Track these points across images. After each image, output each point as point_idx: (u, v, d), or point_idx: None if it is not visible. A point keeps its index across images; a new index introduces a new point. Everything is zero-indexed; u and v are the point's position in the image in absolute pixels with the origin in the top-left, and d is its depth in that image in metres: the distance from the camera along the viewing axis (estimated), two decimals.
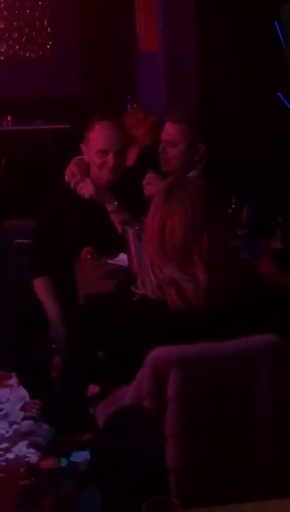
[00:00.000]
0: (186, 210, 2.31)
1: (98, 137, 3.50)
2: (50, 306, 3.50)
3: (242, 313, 2.34)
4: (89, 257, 3.41)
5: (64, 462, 3.22)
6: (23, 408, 3.68)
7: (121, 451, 1.78)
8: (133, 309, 2.37)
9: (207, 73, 5.03)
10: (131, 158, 4.38)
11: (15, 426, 3.56)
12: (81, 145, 3.60)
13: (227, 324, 2.30)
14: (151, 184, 3.58)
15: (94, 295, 2.93)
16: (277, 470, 2.16)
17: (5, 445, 3.41)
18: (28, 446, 3.22)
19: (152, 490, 1.70)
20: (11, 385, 3.92)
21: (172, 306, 2.29)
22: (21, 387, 3.70)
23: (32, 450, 3.23)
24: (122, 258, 3.27)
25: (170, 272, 2.30)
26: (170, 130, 3.60)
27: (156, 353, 2.19)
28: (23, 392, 3.71)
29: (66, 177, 3.68)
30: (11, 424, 3.59)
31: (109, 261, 3.33)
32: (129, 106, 6.30)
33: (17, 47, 7.46)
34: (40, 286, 3.57)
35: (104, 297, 2.72)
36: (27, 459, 3.26)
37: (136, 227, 3.04)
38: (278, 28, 4.74)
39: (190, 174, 3.59)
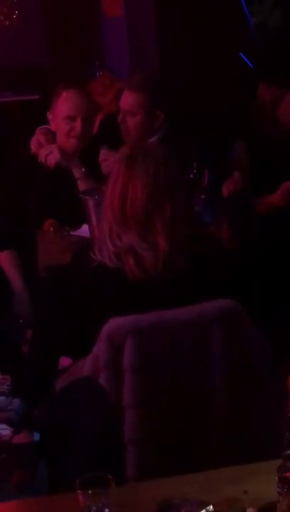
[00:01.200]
0: (149, 177, 2.25)
1: (65, 104, 3.45)
2: (16, 280, 3.46)
3: (202, 279, 2.30)
4: (51, 229, 3.36)
5: (37, 436, 3.19)
6: None
7: (67, 425, 1.75)
8: (89, 277, 2.33)
9: (169, 37, 4.95)
10: (96, 125, 4.32)
11: None
12: (47, 113, 3.54)
13: (186, 292, 2.26)
14: (107, 160, 3.51)
15: (53, 266, 2.89)
16: (233, 436, 2.14)
17: None
18: (0, 422, 3.19)
19: (99, 463, 1.68)
20: None
21: (129, 274, 2.25)
22: None
23: (4, 426, 3.20)
24: (85, 229, 3.22)
25: (129, 240, 2.25)
26: (128, 99, 3.52)
27: (111, 324, 2.17)
28: None
29: (32, 147, 3.62)
30: None
31: (72, 232, 3.28)
32: (97, 73, 6.20)
33: None
34: (5, 259, 3.53)
35: (64, 267, 2.69)
36: None
37: (96, 197, 2.99)
38: None
39: (150, 140, 3.53)
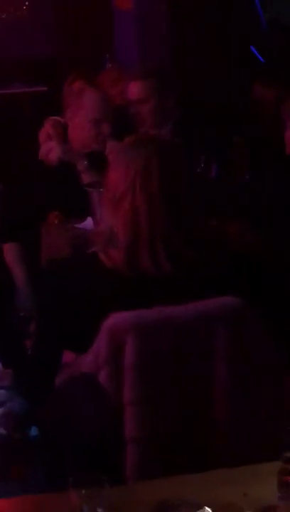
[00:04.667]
0: (128, 167, 2.18)
1: (90, 106, 3.39)
2: (19, 273, 3.44)
3: (202, 277, 2.23)
4: (56, 221, 3.33)
5: (35, 431, 3.15)
6: None
7: (65, 422, 1.72)
8: (88, 270, 2.28)
9: (180, 30, 4.92)
10: None
11: None
12: (66, 111, 3.49)
13: (187, 289, 2.20)
14: (113, 152, 3.46)
15: (56, 259, 2.86)
16: (234, 437, 2.09)
17: None
18: (1, 418, 3.15)
19: (97, 460, 1.64)
20: None
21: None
22: None
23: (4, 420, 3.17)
24: (90, 222, 3.19)
25: (103, 229, 2.22)
26: (135, 89, 3.51)
27: (111, 319, 2.12)
28: None
29: (41, 138, 3.59)
30: None
31: (76, 225, 3.25)
32: (107, 65, 6.17)
33: None
34: (9, 251, 3.50)
35: (66, 261, 2.65)
36: None
37: (101, 189, 2.94)
38: None
39: (163, 131, 3.50)
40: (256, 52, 4.63)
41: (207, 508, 1.37)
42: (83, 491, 1.33)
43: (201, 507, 1.41)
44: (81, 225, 3.24)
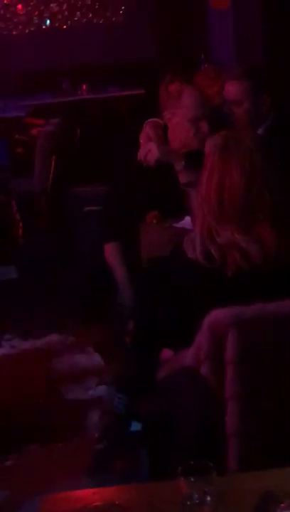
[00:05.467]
0: (245, 167, 2.21)
1: (189, 104, 3.43)
2: (120, 271, 3.50)
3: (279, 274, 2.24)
4: (154, 221, 3.38)
5: (138, 426, 3.20)
6: (98, 374, 3.69)
7: (168, 414, 1.76)
8: (188, 269, 2.32)
9: (276, 29, 4.88)
10: None
11: (90, 391, 3.58)
12: (165, 113, 3.54)
13: (254, 288, 2.22)
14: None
15: (155, 258, 2.91)
16: None
17: (80, 411, 3.43)
18: (103, 416, 3.22)
19: (200, 453, 1.67)
20: (89, 351, 3.93)
21: (233, 269, 2.21)
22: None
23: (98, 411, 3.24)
24: (188, 221, 3.23)
25: (229, 235, 2.22)
26: (231, 89, 3.51)
27: (213, 315, 2.15)
28: (99, 357, 3.72)
29: (141, 140, 3.64)
30: (86, 389, 3.61)
31: (175, 224, 3.30)
32: (202, 65, 6.20)
33: (90, 14, 7.45)
34: (111, 251, 3.56)
35: (164, 260, 2.69)
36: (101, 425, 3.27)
37: None
38: None
39: (258, 131, 3.49)
40: None
41: None
42: (192, 479, 1.37)
43: None
44: (179, 224, 3.29)
